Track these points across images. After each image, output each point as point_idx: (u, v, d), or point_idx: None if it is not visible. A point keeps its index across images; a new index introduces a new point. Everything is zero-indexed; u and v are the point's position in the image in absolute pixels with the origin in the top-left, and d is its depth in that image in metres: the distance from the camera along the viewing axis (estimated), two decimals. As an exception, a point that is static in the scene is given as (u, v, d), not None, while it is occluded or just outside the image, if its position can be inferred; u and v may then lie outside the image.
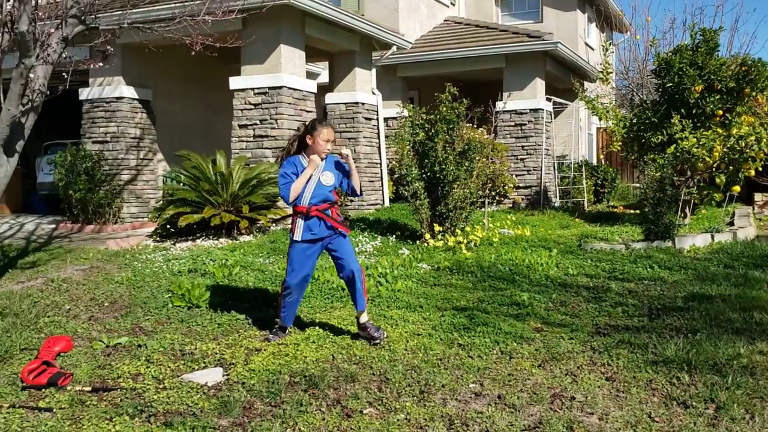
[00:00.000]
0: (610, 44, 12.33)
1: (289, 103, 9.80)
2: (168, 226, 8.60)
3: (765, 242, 8.48)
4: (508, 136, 14.42)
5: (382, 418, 3.51)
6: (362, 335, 4.76)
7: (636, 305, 5.67)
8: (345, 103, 11.95)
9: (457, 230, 8.53)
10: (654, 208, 8.57)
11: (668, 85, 10.03)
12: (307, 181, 4.61)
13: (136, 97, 10.71)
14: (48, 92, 5.77)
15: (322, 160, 4.67)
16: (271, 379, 4.01)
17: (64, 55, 5.96)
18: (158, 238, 8.71)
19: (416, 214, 8.70)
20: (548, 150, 14.58)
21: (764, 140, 9.35)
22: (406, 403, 3.69)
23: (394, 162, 12.49)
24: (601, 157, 18.61)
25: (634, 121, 10.76)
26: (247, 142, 9.91)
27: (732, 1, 34.09)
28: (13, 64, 5.45)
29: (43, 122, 7.95)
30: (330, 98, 12.04)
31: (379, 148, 12.45)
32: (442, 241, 8.27)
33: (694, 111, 9.94)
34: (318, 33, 10.50)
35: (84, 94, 10.74)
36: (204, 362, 4.36)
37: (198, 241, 8.41)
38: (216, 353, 4.52)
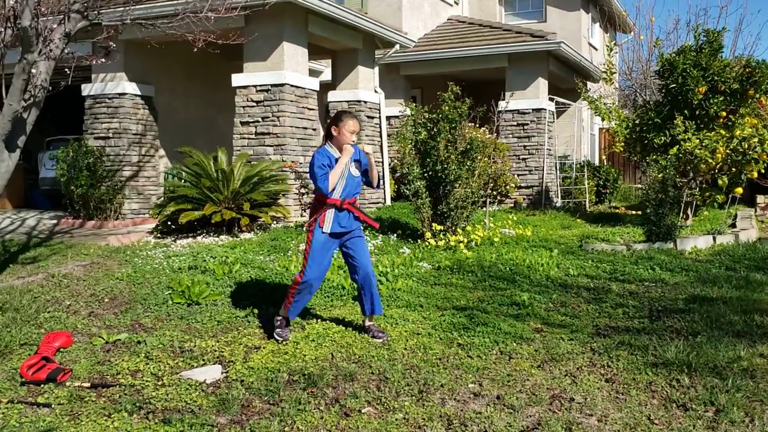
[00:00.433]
0: (613, 44, 12.30)
1: (292, 101, 9.79)
2: (169, 223, 8.60)
3: (767, 244, 8.46)
4: (510, 135, 14.40)
5: (381, 418, 3.51)
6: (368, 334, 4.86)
7: (636, 307, 5.66)
8: (347, 101, 11.93)
9: (458, 229, 8.52)
10: (656, 209, 8.56)
11: (671, 86, 10.00)
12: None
13: (139, 93, 10.70)
14: (50, 88, 5.76)
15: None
16: (269, 377, 4.02)
17: (66, 51, 5.95)
18: (159, 235, 8.72)
19: (417, 213, 8.70)
20: (550, 150, 14.55)
21: (767, 142, 9.34)
22: (404, 402, 3.68)
23: (395, 161, 12.47)
24: (604, 157, 18.58)
25: (637, 121, 10.73)
26: (248, 139, 9.91)
27: (736, 2, 34.01)
28: (16, 60, 5.44)
29: (46, 118, 7.95)
30: (332, 96, 12.03)
31: (381, 146, 12.43)
32: (443, 241, 8.26)
33: (697, 112, 9.91)
34: (321, 31, 10.49)
35: (86, 89, 10.74)
36: (203, 359, 4.37)
37: (199, 238, 8.41)
38: (215, 350, 4.52)
